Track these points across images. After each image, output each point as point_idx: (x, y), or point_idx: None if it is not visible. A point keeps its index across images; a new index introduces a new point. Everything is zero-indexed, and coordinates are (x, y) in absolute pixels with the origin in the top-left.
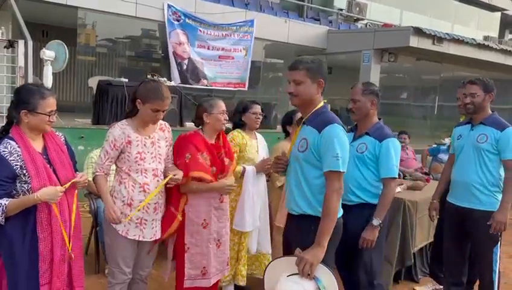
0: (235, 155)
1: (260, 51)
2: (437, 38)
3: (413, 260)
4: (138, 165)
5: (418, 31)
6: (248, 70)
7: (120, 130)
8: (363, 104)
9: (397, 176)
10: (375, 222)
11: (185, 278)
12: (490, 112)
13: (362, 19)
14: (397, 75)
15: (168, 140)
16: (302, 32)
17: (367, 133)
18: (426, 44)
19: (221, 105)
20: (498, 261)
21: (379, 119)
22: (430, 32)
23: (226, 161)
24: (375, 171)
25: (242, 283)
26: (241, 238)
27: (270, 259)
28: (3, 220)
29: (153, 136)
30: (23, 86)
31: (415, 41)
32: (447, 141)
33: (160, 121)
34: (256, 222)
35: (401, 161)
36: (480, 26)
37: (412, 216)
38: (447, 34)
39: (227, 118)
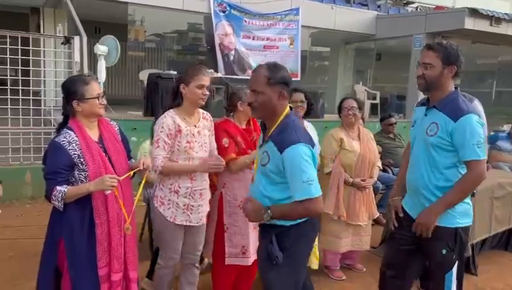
0: None
1: (306, 39)
2: (495, 19)
3: (471, 252)
4: (187, 154)
5: (474, 12)
6: (299, 60)
7: (171, 119)
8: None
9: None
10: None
11: (226, 256)
12: (451, 89)
13: (412, 2)
14: None
15: (210, 129)
16: (350, 18)
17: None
18: (483, 25)
19: None
20: None
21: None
22: (487, 12)
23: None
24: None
25: None
26: None
27: (316, 249)
28: (62, 205)
29: (198, 125)
30: (66, 80)
31: (470, 23)
32: (505, 128)
33: (203, 111)
34: None
35: None
36: None
37: None
38: (506, 14)
39: None
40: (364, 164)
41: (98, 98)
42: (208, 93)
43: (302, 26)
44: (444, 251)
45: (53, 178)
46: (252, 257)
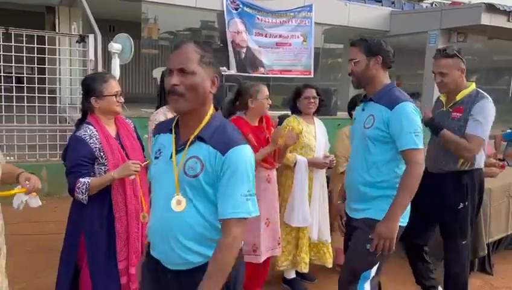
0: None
1: (319, 36)
2: None
3: (487, 251)
4: None
5: (491, 7)
6: (312, 57)
7: (163, 115)
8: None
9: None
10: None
11: None
12: (386, 82)
13: None
14: (467, 57)
15: None
16: (363, 15)
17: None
18: (500, 21)
19: (266, 91)
20: None
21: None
22: (504, 8)
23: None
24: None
25: (305, 270)
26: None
27: (330, 248)
28: (87, 198)
29: None
30: (86, 76)
31: (487, 19)
32: None
33: None
34: (307, 219)
35: None
36: None
37: (486, 204)
38: None
39: (271, 102)
40: None
41: (115, 95)
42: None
43: (315, 23)
44: (367, 245)
45: (76, 171)
46: (263, 255)
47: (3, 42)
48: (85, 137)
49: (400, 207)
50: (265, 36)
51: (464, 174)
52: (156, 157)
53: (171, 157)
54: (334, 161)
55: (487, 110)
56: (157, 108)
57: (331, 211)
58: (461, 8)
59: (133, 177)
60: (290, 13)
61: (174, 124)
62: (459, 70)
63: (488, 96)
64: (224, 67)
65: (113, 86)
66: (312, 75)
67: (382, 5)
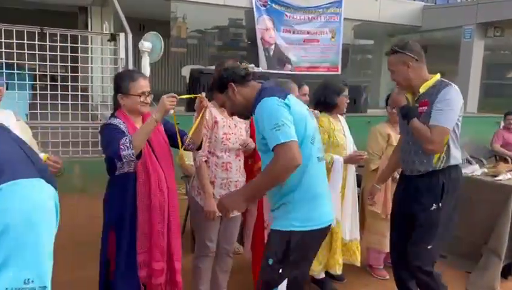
0: (324, 142)
1: (349, 32)
2: None
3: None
4: (224, 145)
5: None
6: (339, 53)
7: (207, 111)
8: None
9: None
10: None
11: None
12: (256, 91)
13: None
14: (503, 52)
15: (247, 123)
16: (395, 10)
17: None
18: None
19: (297, 89)
20: None
21: None
22: None
23: None
24: None
25: (339, 271)
26: (332, 228)
27: (359, 246)
28: (133, 152)
29: (234, 117)
30: (117, 73)
31: None
32: None
33: None
34: (335, 217)
35: (508, 144)
36: None
37: None
38: None
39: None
40: None
41: (140, 96)
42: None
43: (344, 18)
44: (270, 261)
45: (114, 138)
46: None
47: (38, 42)
48: (115, 123)
49: (252, 188)
50: (293, 33)
51: (439, 172)
52: None
53: None
54: (366, 156)
55: (450, 97)
56: (187, 106)
57: (361, 211)
58: (498, 1)
59: (172, 112)
60: (319, 9)
61: None
62: (404, 65)
63: (451, 83)
64: (253, 65)
65: (141, 85)
66: (339, 72)
67: (414, 0)
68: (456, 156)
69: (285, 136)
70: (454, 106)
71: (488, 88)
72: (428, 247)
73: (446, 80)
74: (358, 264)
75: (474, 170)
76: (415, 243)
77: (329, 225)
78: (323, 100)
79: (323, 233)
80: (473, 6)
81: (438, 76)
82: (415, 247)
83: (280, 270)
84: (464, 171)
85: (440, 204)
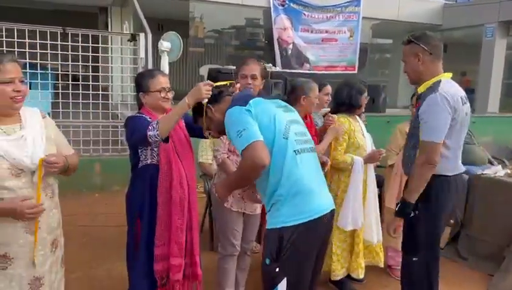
0: (344, 143)
1: (367, 31)
2: None
3: None
4: None
5: None
6: (357, 52)
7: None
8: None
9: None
10: None
11: None
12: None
13: None
14: None
15: None
16: (415, 8)
17: None
18: None
19: (317, 89)
20: None
21: None
22: None
23: None
24: None
25: (362, 275)
26: (355, 231)
27: (382, 247)
28: (159, 133)
29: None
30: (137, 73)
31: None
32: None
33: None
34: (358, 221)
35: None
36: None
37: None
38: None
39: (318, 102)
40: None
41: (160, 91)
42: (250, 82)
43: (363, 17)
44: (267, 261)
45: (142, 125)
46: None
47: (61, 42)
48: (140, 116)
49: (229, 183)
50: (311, 32)
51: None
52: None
53: None
54: (384, 153)
55: (431, 105)
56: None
57: (382, 211)
58: None
59: (205, 101)
60: (337, 8)
61: None
62: (416, 57)
63: (438, 89)
64: (270, 64)
65: (160, 81)
66: (356, 71)
67: None
68: (445, 166)
69: (247, 139)
70: (438, 114)
71: (510, 88)
72: (414, 259)
73: (441, 84)
74: (382, 265)
75: (496, 171)
76: (403, 250)
77: (327, 214)
78: (348, 101)
79: (319, 224)
80: (495, 4)
81: (441, 76)
82: (403, 255)
83: (277, 269)
84: (486, 172)
85: (417, 211)
